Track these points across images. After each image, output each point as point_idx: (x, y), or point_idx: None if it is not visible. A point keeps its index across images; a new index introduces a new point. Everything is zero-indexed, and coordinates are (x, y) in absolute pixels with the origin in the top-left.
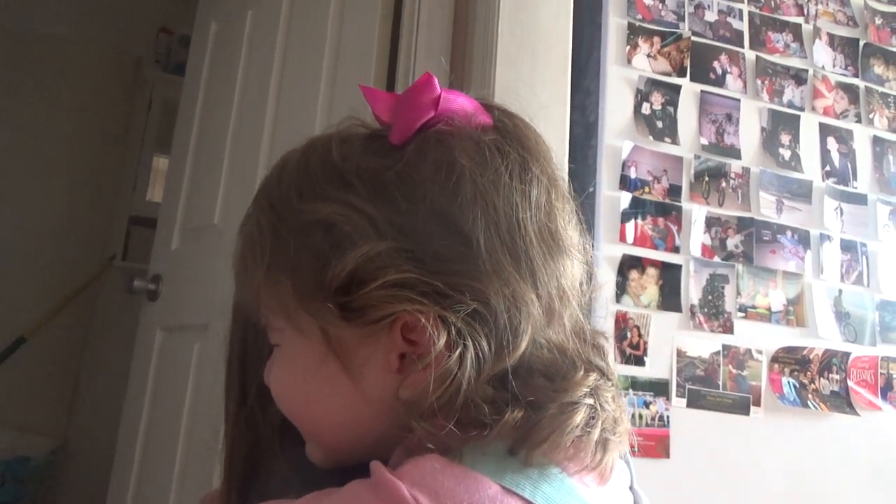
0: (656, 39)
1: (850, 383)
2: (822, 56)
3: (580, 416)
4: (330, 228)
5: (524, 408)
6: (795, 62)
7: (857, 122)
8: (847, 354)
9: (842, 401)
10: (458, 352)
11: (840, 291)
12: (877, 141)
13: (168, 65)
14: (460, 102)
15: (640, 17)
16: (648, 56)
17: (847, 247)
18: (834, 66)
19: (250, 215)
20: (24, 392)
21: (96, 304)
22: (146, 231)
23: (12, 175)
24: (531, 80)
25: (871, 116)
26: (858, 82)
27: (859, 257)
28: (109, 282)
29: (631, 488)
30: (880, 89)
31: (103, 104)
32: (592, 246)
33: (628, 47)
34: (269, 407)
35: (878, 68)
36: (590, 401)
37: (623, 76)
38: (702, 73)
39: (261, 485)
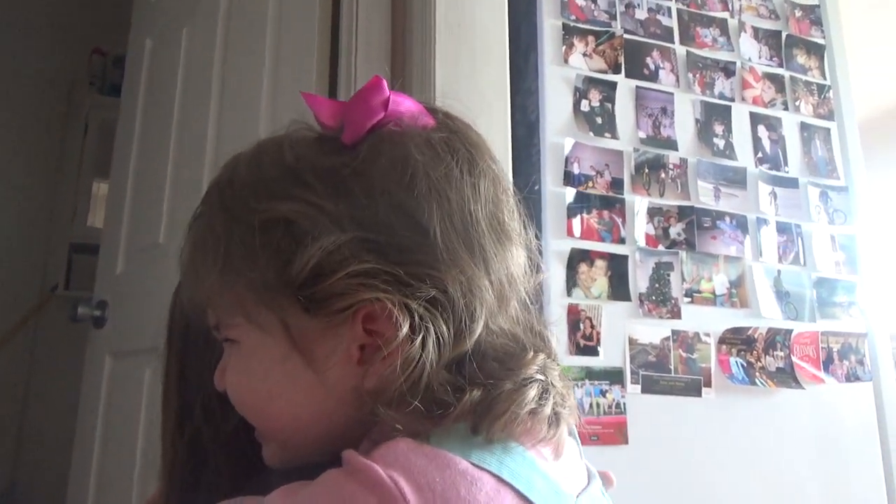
0: (591, 38)
1: (793, 359)
2: (748, 48)
3: (534, 391)
4: (290, 225)
5: (482, 387)
6: (724, 55)
7: (784, 109)
8: (789, 331)
9: (787, 376)
10: (420, 336)
11: (779, 272)
12: (804, 127)
13: (103, 86)
14: (407, 104)
15: (573, 17)
16: (584, 55)
17: (783, 229)
18: (760, 57)
19: (200, 217)
20: None
21: (39, 336)
22: (89, 258)
23: None
24: (472, 79)
25: (797, 104)
26: (783, 72)
27: (795, 238)
28: (52, 312)
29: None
30: (804, 78)
31: (37, 130)
32: (537, 237)
33: (564, 47)
34: (216, 423)
35: (801, 58)
36: (541, 377)
37: (561, 75)
38: (636, 69)
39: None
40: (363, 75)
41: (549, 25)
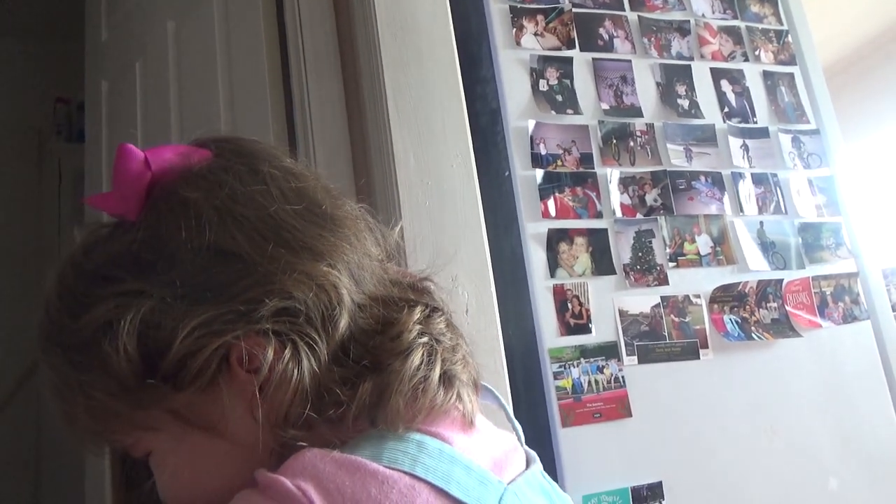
0: (540, 17)
1: (788, 308)
2: (701, 5)
3: (417, 358)
4: (109, 326)
5: (370, 376)
6: (676, 15)
7: (745, 61)
8: (780, 281)
9: (784, 326)
10: (288, 350)
11: (761, 223)
12: (767, 75)
13: (71, 134)
14: (168, 154)
15: None
16: (536, 35)
17: (759, 180)
18: (713, 12)
19: (42, 366)
20: None
21: (43, 392)
22: None
23: None
24: (421, 79)
25: (756, 53)
26: (739, 23)
27: (772, 188)
28: None
29: (509, 419)
30: (760, 26)
31: (13, 183)
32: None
33: (514, 29)
34: None
35: (755, 7)
36: (423, 338)
37: (515, 58)
38: (590, 41)
39: None
40: (316, 91)
41: (497, 10)
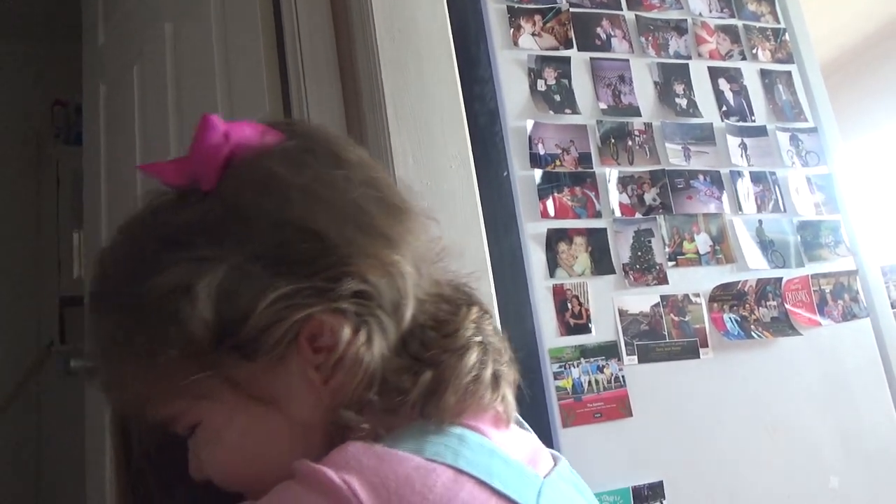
0: (537, 17)
1: (787, 306)
2: (698, 4)
3: (474, 356)
4: (185, 289)
5: (428, 369)
6: (674, 14)
7: (742, 59)
8: (779, 280)
9: (783, 324)
10: (364, 332)
11: (760, 222)
12: (764, 74)
13: (70, 136)
14: (247, 130)
15: None
16: (533, 35)
17: (757, 178)
18: (710, 11)
19: (95, 328)
20: None
21: (43, 393)
22: (80, 310)
23: None
24: (420, 82)
25: (754, 52)
26: (736, 22)
27: (771, 186)
28: (52, 369)
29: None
30: (757, 25)
31: (12, 186)
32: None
33: (512, 30)
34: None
35: (752, 5)
36: (478, 337)
37: (513, 58)
38: (587, 41)
39: None
40: (313, 89)
41: (494, 10)
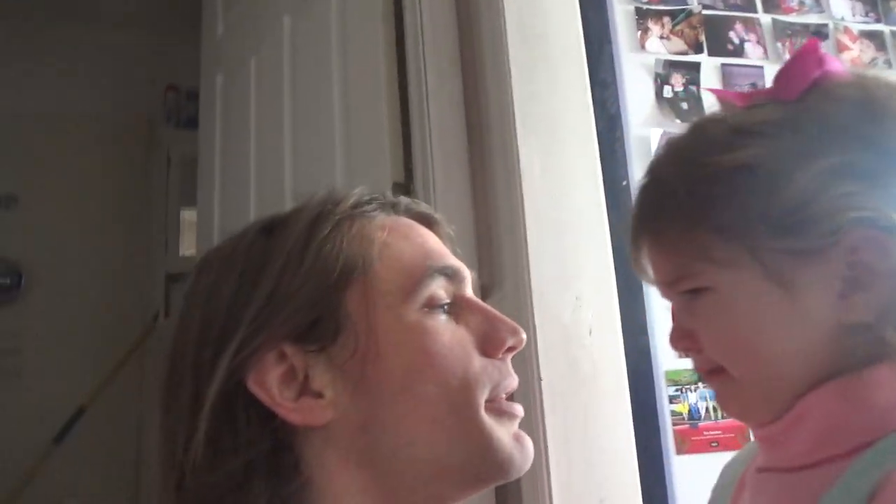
0: (666, 20)
1: None
2: (840, 7)
3: None
4: (754, 169)
5: None
6: (813, 18)
7: (888, 68)
8: None
9: None
10: None
11: None
12: None
13: (180, 121)
14: (837, 64)
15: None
16: (661, 38)
17: None
18: (854, 15)
19: (652, 184)
20: (91, 461)
21: (147, 364)
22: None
23: (50, 251)
24: (552, 84)
25: None
26: (882, 27)
27: None
28: (157, 341)
29: None
30: None
31: (124, 168)
32: None
33: (639, 32)
34: None
35: None
36: None
37: (639, 62)
38: (719, 45)
39: None
40: (434, 91)
41: (621, 11)
